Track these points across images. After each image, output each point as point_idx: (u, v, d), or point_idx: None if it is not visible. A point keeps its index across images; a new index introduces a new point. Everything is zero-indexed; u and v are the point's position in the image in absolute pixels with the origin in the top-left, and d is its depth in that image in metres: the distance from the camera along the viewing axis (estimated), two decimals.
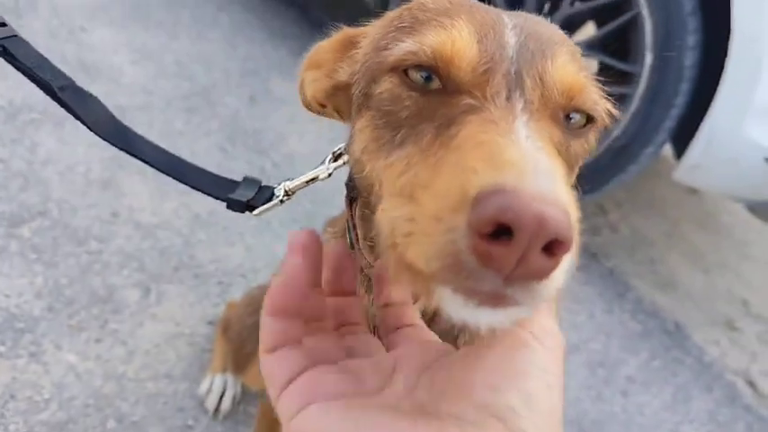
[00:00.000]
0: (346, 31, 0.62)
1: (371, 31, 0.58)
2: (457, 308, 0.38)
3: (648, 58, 1.76)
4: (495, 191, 0.35)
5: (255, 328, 1.00)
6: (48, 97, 0.73)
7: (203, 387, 1.09)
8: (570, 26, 1.95)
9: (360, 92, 0.55)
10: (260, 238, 1.51)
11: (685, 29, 1.69)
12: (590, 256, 2.29)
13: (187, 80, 2.03)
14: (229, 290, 1.32)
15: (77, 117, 0.73)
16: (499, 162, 0.38)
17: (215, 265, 1.36)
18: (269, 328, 0.45)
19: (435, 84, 0.48)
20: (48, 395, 0.99)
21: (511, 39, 0.48)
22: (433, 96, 0.48)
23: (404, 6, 0.56)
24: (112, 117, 0.77)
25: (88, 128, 0.73)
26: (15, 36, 0.76)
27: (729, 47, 1.64)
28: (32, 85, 0.71)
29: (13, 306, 1.08)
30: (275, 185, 0.73)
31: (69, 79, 0.76)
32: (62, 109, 0.75)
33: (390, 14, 0.57)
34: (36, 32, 1.83)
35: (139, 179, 1.51)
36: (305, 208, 1.70)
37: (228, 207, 0.72)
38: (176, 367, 1.12)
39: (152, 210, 1.45)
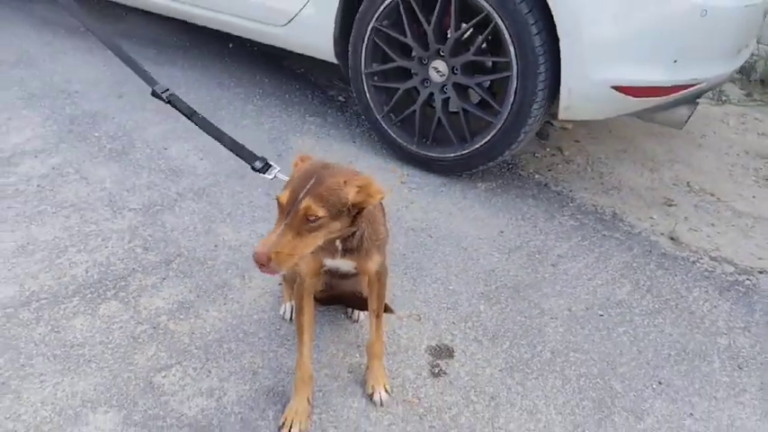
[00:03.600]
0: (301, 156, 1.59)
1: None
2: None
3: (512, 51, 2.62)
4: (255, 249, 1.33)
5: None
6: None
7: (281, 310, 2.05)
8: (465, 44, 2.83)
9: None
10: None
11: (528, 26, 2.53)
12: (540, 186, 3.11)
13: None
14: None
15: (194, 122, 1.86)
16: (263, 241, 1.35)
17: None
18: None
19: None
20: None
21: (302, 191, 1.36)
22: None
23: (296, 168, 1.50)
24: (206, 119, 1.88)
25: (197, 125, 1.86)
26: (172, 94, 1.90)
27: (558, 32, 2.48)
28: None
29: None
30: (275, 165, 1.80)
31: (193, 110, 1.89)
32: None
33: (294, 169, 1.51)
34: (137, 163, 2.92)
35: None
36: None
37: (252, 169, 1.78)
38: (275, 306, 2.10)
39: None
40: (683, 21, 2.48)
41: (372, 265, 1.64)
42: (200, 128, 1.86)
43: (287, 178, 1.58)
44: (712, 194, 3.32)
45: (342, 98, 3.73)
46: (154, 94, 1.87)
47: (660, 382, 2.01)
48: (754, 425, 1.90)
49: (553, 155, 3.48)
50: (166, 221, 2.43)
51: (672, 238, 2.82)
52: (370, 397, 1.79)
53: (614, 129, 3.93)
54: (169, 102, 1.86)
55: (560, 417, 1.84)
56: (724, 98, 4.67)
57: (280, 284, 2.15)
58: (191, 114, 1.87)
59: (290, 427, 1.65)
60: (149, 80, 1.89)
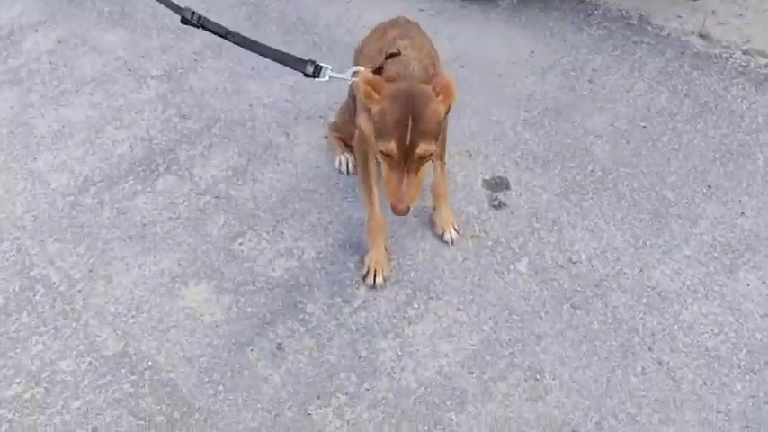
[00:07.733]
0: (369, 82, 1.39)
1: (376, 102, 1.36)
2: None
3: None
4: None
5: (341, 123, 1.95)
6: None
7: (336, 164, 2.04)
8: None
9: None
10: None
11: None
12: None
13: (240, 7, 2.89)
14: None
15: (232, 41, 1.61)
16: None
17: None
18: None
19: None
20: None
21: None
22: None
23: (378, 105, 1.35)
24: (242, 37, 1.62)
25: (236, 44, 1.61)
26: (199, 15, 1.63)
27: None
28: None
29: None
30: (325, 66, 1.57)
31: (231, 31, 1.62)
32: None
33: (378, 108, 1.35)
34: (143, 25, 2.75)
35: None
36: None
37: (305, 76, 1.63)
38: (327, 160, 2.10)
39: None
40: None
41: None
42: (240, 46, 1.64)
43: (341, 76, 1.54)
44: None
45: None
46: (183, 21, 1.64)
47: (709, 186, 2.08)
48: None
49: None
50: (193, 85, 2.35)
51: (702, 36, 2.76)
52: (441, 237, 1.86)
53: None
54: (201, 26, 1.65)
55: (620, 232, 1.93)
56: None
57: (325, 137, 2.13)
58: (225, 34, 1.63)
59: (374, 275, 1.72)
60: (175, 8, 1.66)
